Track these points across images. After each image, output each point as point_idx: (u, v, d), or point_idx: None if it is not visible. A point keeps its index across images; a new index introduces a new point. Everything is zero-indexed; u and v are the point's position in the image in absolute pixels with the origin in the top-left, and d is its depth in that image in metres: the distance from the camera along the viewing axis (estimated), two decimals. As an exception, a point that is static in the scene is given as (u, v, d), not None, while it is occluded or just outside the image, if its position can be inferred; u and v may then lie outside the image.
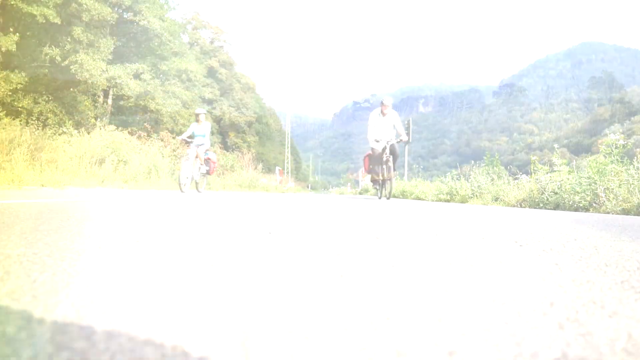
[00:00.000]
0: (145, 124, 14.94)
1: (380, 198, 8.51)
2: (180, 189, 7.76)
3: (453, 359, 0.42)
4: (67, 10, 15.83)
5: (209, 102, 37.11)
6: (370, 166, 8.63)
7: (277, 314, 0.54)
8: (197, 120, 8.92)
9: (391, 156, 7.93)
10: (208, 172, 9.08)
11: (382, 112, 8.32)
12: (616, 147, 5.09)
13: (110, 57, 16.79)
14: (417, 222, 2.20)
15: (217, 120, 38.76)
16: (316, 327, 0.49)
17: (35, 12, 14.10)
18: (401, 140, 8.12)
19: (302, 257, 0.97)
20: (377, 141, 8.18)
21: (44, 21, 14.48)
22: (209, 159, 9.06)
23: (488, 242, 1.36)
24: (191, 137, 8.70)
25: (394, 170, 8.03)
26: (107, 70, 16.41)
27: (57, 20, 14.68)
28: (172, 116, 23.15)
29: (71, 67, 15.66)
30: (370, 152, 8.43)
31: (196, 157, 8.44)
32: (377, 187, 8.70)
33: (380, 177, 8.27)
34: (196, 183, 8.71)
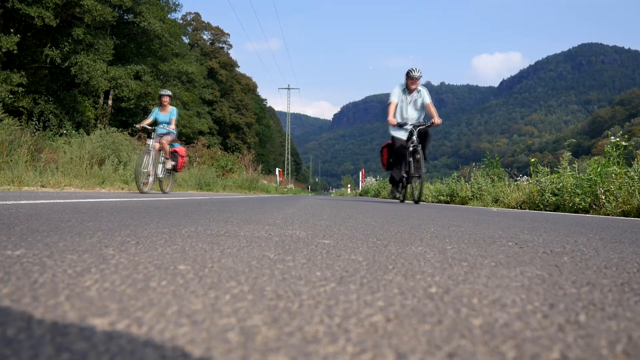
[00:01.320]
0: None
1: (402, 201, 6.85)
2: (139, 189, 6.41)
3: (453, 361, 0.42)
4: (68, 12, 15.88)
5: (209, 103, 37.18)
6: (390, 160, 6.59)
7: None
8: (160, 105, 7.44)
9: (420, 145, 6.06)
10: (175, 168, 7.60)
11: (407, 87, 6.40)
12: (617, 149, 5.09)
13: (111, 58, 16.84)
14: (414, 221, 2.20)
15: (218, 121, 38.82)
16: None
17: (33, 14, 14.15)
18: (432, 123, 6.20)
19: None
20: (401, 126, 6.31)
21: (42, 23, 14.53)
22: (175, 151, 7.56)
23: (487, 243, 1.36)
24: (153, 124, 7.30)
25: (425, 161, 6.09)
26: (107, 72, 16.45)
27: (53, 23, 14.72)
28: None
29: (71, 68, 15.70)
30: (390, 141, 6.53)
31: (159, 149, 7.06)
32: (400, 188, 6.80)
33: (404, 174, 6.40)
34: (160, 181, 7.33)
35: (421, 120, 6.47)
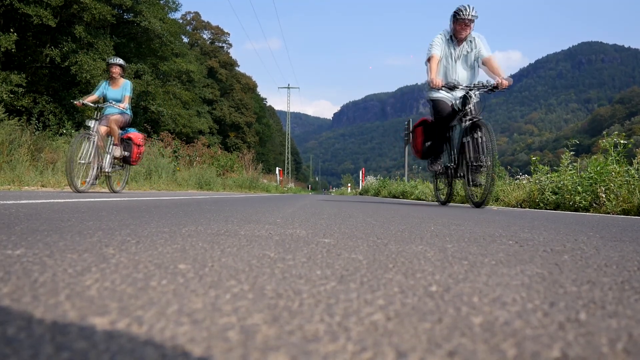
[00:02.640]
0: (146, 124, 14.95)
1: (445, 203, 5.13)
2: (72, 186, 4.78)
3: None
4: (68, 11, 15.89)
5: (209, 102, 37.19)
6: (428, 143, 4.59)
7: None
8: (110, 78, 5.68)
9: (480, 119, 4.19)
10: (128, 160, 5.85)
11: (455, 35, 4.35)
12: (616, 147, 5.10)
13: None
14: (414, 220, 2.20)
15: (218, 120, 38.84)
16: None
17: (31, 12, 14.16)
18: (497, 86, 4.13)
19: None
20: (451, 89, 4.27)
21: (39, 22, 14.55)
22: (129, 137, 5.82)
23: (487, 241, 1.36)
24: (100, 101, 5.59)
25: (486, 142, 4.14)
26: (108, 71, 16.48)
27: (51, 23, 14.73)
28: (173, 117, 23.19)
29: (71, 67, 15.71)
30: (430, 111, 4.57)
31: (107, 134, 5.42)
32: (444, 185, 5.06)
33: (450, 164, 4.57)
34: (108, 177, 5.72)
35: (477, 83, 4.35)
